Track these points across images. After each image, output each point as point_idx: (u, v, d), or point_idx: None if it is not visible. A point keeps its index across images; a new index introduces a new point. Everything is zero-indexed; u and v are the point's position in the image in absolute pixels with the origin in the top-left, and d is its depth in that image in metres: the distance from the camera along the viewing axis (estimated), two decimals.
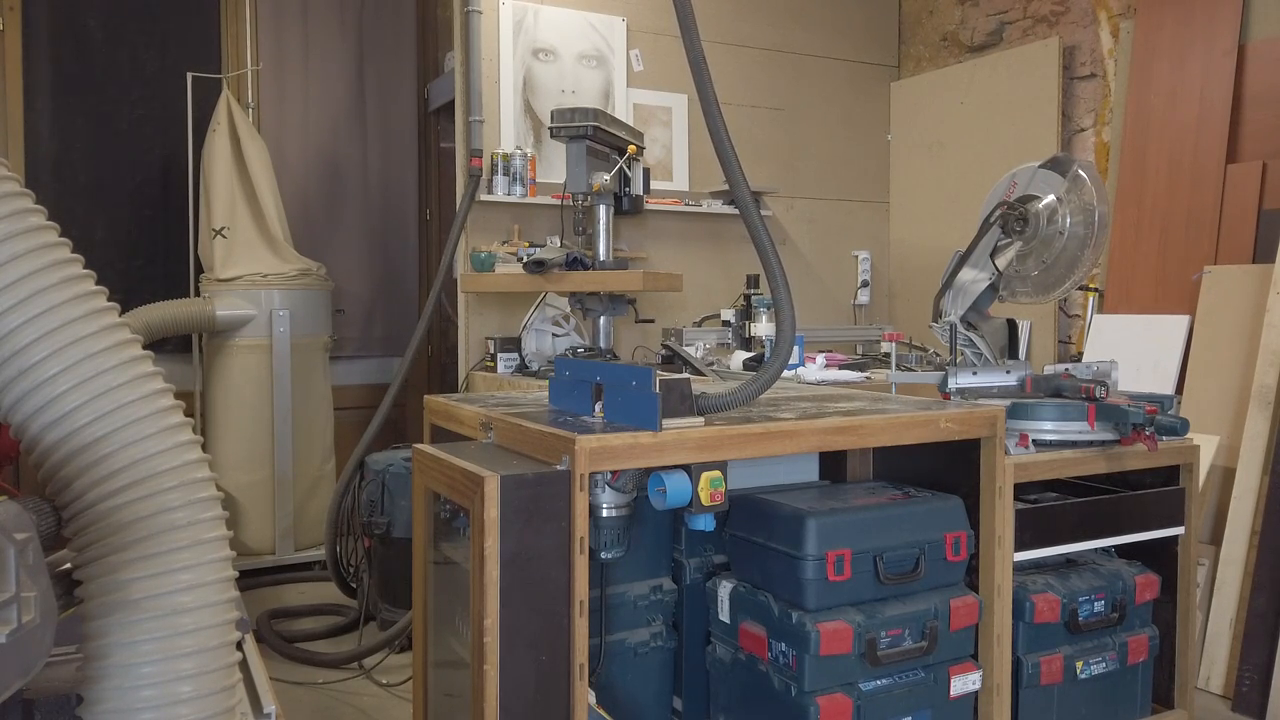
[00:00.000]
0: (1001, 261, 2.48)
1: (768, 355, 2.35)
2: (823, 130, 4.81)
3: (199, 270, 4.13)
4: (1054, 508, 2.08)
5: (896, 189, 4.98)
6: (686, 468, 1.55)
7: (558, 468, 1.47)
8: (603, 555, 1.63)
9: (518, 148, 3.97)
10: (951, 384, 2.29)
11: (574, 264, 3.23)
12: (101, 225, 4.22)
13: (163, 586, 0.93)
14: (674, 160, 4.40)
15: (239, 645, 0.98)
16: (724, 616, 1.90)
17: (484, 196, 3.89)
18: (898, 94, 4.97)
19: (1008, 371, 2.35)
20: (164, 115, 4.31)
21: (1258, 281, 3.20)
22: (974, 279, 2.49)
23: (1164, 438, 2.14)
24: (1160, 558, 2.26)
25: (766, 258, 1.69)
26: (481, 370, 3.63)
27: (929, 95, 4.78)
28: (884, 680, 1.77)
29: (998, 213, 2.48)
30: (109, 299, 1.02)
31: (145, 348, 1.05)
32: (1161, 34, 3.72)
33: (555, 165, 3.92)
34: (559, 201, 3.76)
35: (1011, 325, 2.57)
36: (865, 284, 4.88)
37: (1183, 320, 3.48)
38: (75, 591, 0.96)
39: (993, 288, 2.50)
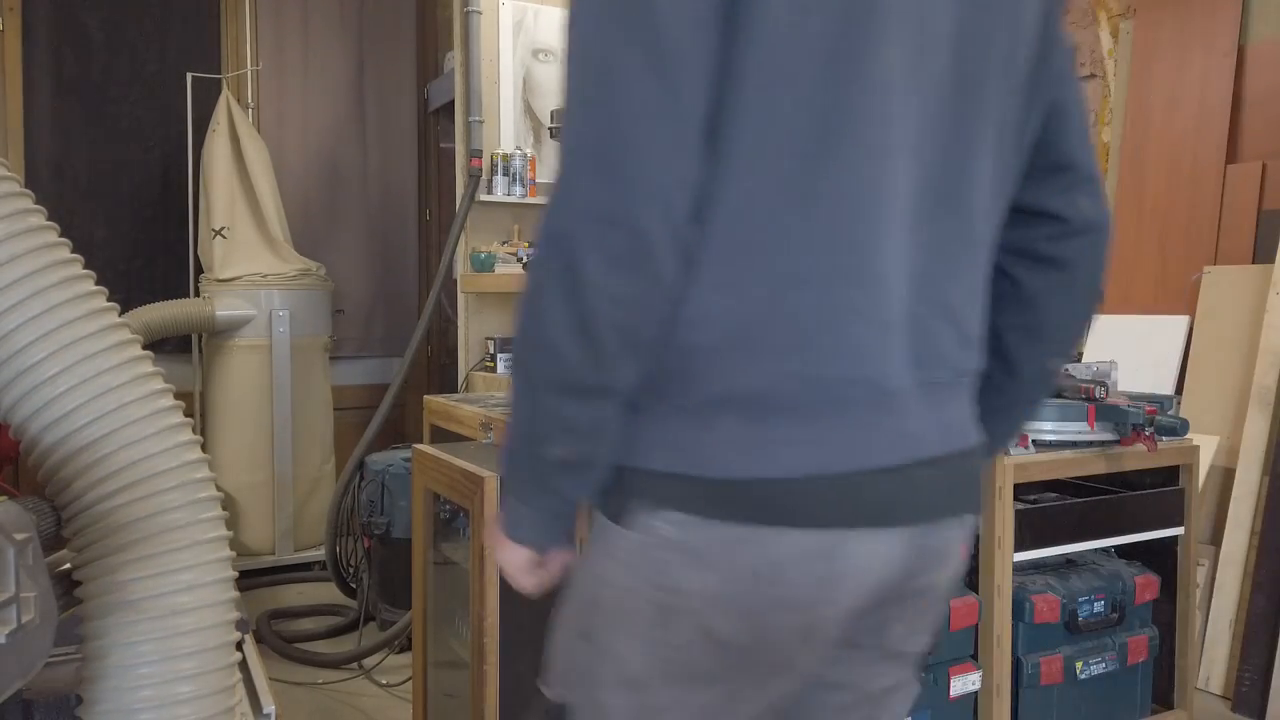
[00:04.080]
0: None
1: None
2: None
3: (199, 270, 4.13)
4: (1054, 508, 2.08)
5: None
6: None
7: None
8: None
9: (518, 148, 3.97)
10: None
11: None
12: (101, 225, 4.22)
13: (162, 587, 0.93)
14: None
15: (239, 645, 0.98)
16: None
17: (484, 197, 3.88)
18: None
19: None
20: (164, 115, 4.31)
21: (1258, 281, 3.20)
22: None
23: (1164, 438, 2.14)
24: (1160, 558, 2.26)
25: None
26: (481, 370, 3.63)
27: None
28: None
29: None
30: (109, 299, 1.02)
31: (145, 348, 1.05)
32: (1161, 35, 3.72)
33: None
34: None
35: None
36: None
37: (1182, 320, 3.47)
38: (75, 591, 0.96)
39: None
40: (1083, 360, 3.28)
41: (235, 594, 0.97)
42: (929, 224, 0.84)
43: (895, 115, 0.79)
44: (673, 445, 0.81)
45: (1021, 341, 1.01)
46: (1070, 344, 1.10)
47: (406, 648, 2.97)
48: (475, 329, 3.90)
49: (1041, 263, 0.98)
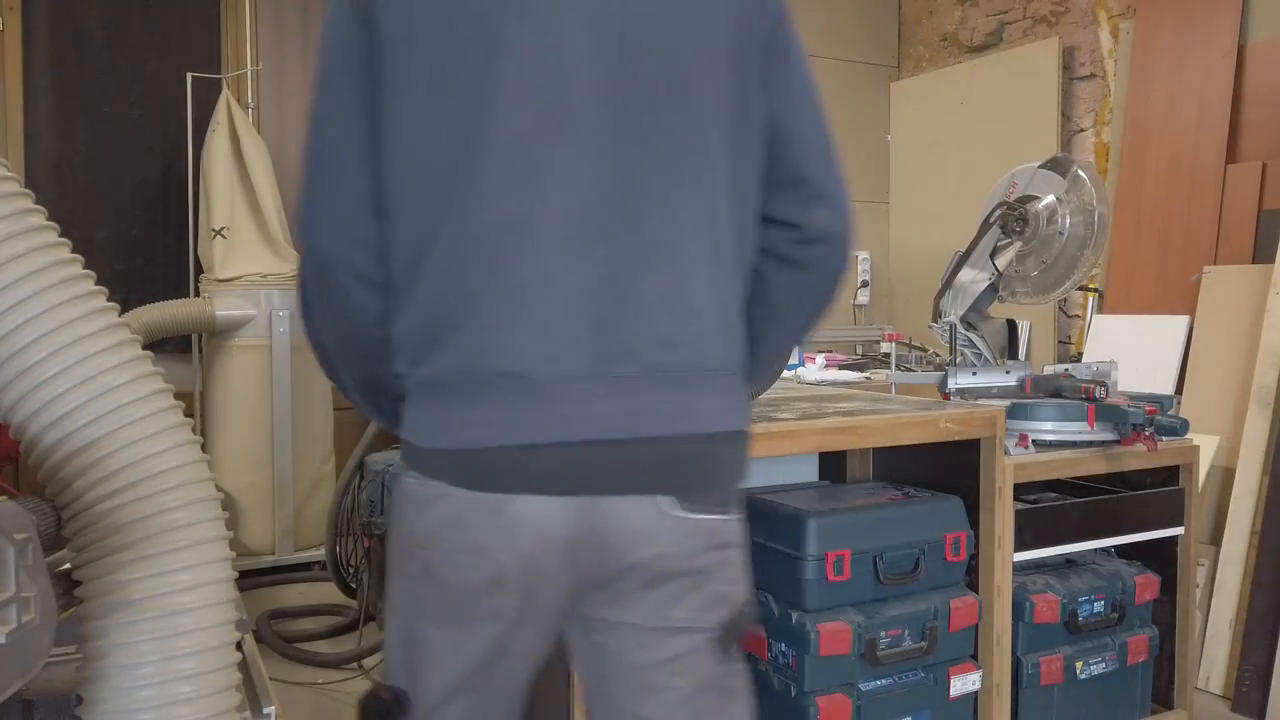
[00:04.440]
0: (1001, 262, 2.48)
1: None
2: None
3: (199, 270, 4.13)
4: (1054, 508, 2.08)
5: (896, 189, 4.99)
6: None
7: None
8: None
9: None
10: (951, 384, 2.29)
11: None
12: (102, 225, 4.22)
13: (162, 587, 0.93)
14: None
15: (239, 645, 0.98)
16: None
17: None
18: (897, 94, 4.97)
19: (1007, 372, 2.35)
20: (164, 115, 4.30)
21: (1258, 281, 3.20)
22: (974, 279, 2.50)
23: (1164, 438, 2.14)
24: (1160, 558, 2.26)
25: None
26: None
27: (929, 95, 4.78)
28: (884, 681, 1.78)
29: (997, 213, 2.48)
30: (109, 299, 1.02)
31: (145, 348, 1.05)
32: (1161, 34, 3.72)
33: None
34: None
35: (1011, 325, 2.57)
36: (865, 284, 4.89)
37: (1182, 320, 3.48)
38: (75, 591, 0.96)
39: (992, 288, 2.50)
40: (1083, 360, 3.28)
41: (235, 594, 0.97)
42: (606, 241, 1.02)
43: (531, 161, 1.01)
44: (408, 421, 1.06)
45: (761, 327, 1.17)
46: (799, 333, 1.27)
47: None
48: None
49: (783, 263, 1.15)
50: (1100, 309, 3.87)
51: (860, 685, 1.75)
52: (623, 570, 1.04)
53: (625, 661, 1.10)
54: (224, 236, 3.94)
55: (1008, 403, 2.08)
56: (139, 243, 4.32)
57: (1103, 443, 2.11)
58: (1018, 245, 2.47)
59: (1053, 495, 2.18)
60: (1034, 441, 2.06)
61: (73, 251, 1.00)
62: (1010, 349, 2.55)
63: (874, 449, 2.18)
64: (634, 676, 1.10)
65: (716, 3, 1.08)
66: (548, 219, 1.00)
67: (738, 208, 1.10)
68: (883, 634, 1.75)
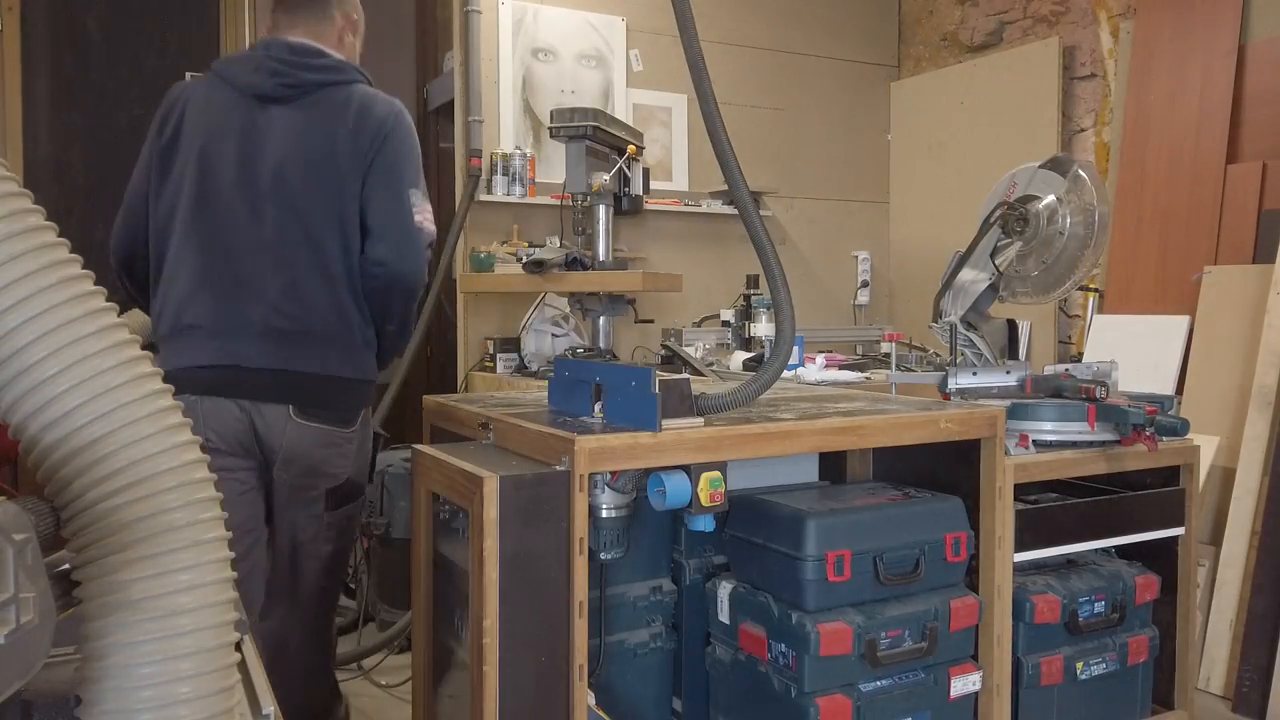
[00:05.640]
0: (1001, 262, 2.48)
1: (767, 355, 2.37)
2: (823, 130, 4.80)
3: None
4: (1054, 508, 2.08)
5: (896, 189, 4.99)
6: (686, 468, 1.55)
7: (557, 468, 1.47)
8: (602, 556, 1.63)
9: (517, 148, 3.97)
10: (951, 384, 2.29)
11: (573, 264, 3.23)
12: (101, 225, 4.21)
13: (162, 587, 0.93)
14: (673, 160, 4.40)
15: (238, 646, 0.98)
16: (724, 617, 1.90)
17: (483, 197, 3.88)
18: (897, 94, 4.97)
19: (1008, 372, 2.35)
20: None
21: (1258, 281, 3.20)
22: (974, 279, 2.49)
23: (1164, 438, 2.14)
24: (1160, 558, 2.26)
25: (765, 258, 1.69)
26: (480, 371, 3.63)
27: (929, 95, 4.78)
28: (884, 681, 1.77)
29: (998, 213, 2.48)
30: (109, 299, 1.02)
31: (144, 348, 1.05)
32: (1161, 34, 3.72)
33: (555, 165, 3.93)
34: (558, 201, 3.76)
35: (1011, 325, 2.57)
36: (865, 284, 4.88)
37: (1183, 320, 3.48)
38: (75, 592, 0.96)
39: (993, 288, 2.50)
40: (1083, 360, 3.28)
41: (235, 594, 0.97)
42: (250, 261, 1.96)
43: (193, 220, 1.98)
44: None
45: (374, 318, 2.07)
46: (389, 322, 2.09)
47: (406, 648, 2.97)
48: (474, 329, 3.90)
49: (365, 276, 2.02)
50: (1100, 309, 3.87)
51: (860, 686, 1.75)
52: (276, 451, 1.96)
53: (278, 513, 2.05)
54: None
55: (1008, 403, 2.08)
56: None
57: (1103, 443, 2.11)
58: (1018, 245, 2.47)
59: (1053, 495, 2.18)
60: (1034, 442, 2.06)
61: (72, 251, 1.00)
62: (1010, 349, 2.55)
63: (874, 449, 2.18)
64: (282, 521, 2.05)
65: (329, 140, 1.97)
66: (214, 248, 1.96)
67: (346, 249, 1.99)
68: (883, 634, 1.75)
